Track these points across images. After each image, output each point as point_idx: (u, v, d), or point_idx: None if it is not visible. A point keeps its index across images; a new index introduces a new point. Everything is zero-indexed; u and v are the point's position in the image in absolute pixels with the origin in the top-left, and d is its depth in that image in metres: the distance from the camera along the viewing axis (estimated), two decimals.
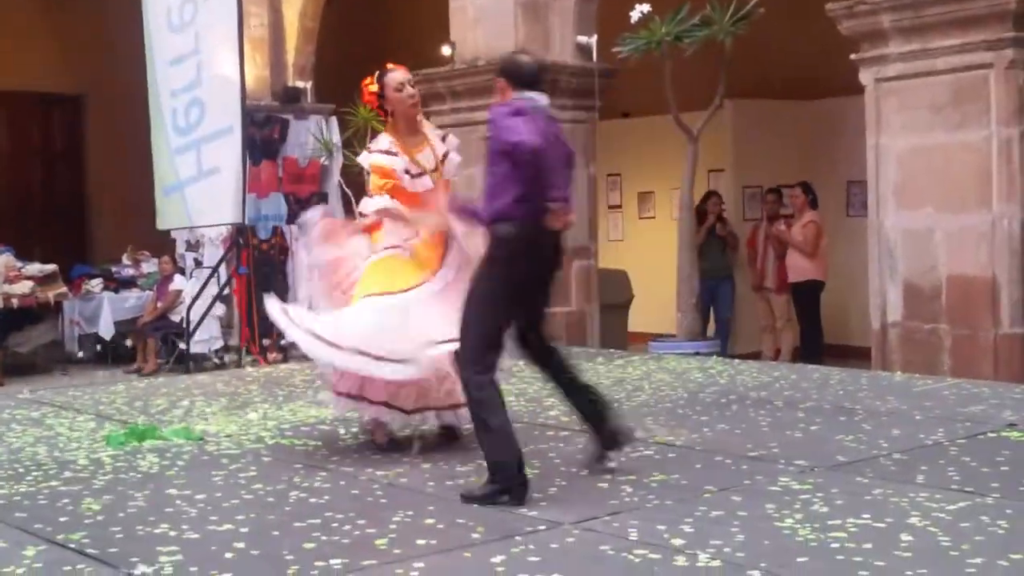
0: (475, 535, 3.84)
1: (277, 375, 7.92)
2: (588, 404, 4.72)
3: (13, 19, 15.16)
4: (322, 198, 12.25)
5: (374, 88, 5.57)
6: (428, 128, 5.72)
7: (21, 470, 5.03)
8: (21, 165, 16.40)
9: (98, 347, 12.98)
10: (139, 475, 4.90)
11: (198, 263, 12.15)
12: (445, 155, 5.61)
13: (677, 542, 3.68)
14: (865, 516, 3.89)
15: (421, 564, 3.54)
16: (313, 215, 5.89)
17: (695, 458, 4.88)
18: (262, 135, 11.97)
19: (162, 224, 11.38)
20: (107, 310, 13.02)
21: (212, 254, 11.87)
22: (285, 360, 10.45)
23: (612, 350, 9.02)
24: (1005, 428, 5.29)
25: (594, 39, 9.82)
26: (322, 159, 12.10)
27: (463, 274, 5.01)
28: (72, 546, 3.83)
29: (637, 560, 3.53)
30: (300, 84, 12.53)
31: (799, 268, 10.69)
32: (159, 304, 12.51)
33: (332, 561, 3.58)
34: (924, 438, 5.13)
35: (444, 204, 5.11)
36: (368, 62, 14.86)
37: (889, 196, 7.53)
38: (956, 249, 7.20)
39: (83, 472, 4.96)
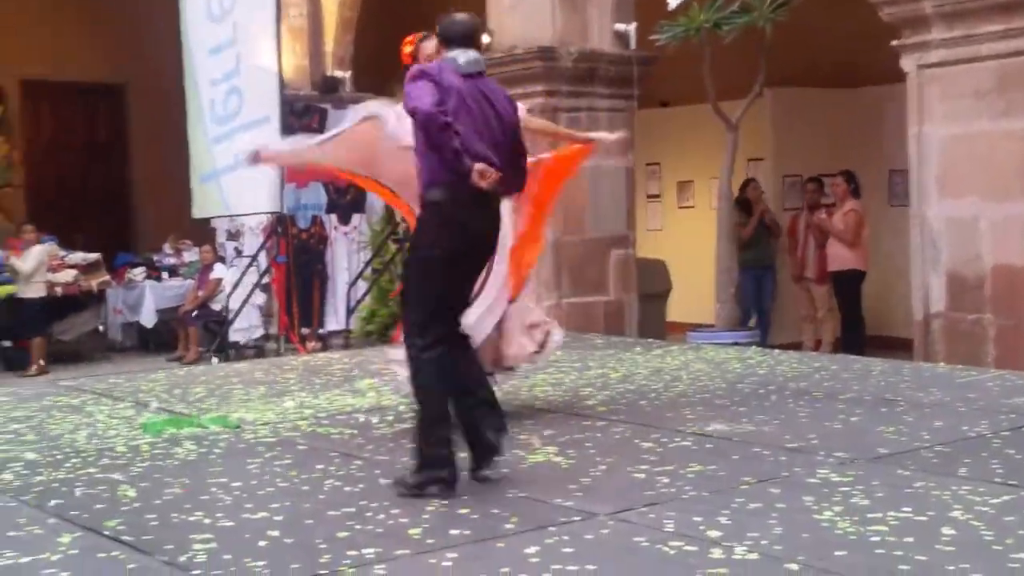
0: (508, 525, 3.81)
1: (315, 364, 7.93)
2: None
3: (56, 10, 15.31)
4: (360, 188, 12.27)
5: (409, 49, 5.61)
6: None
7: (60, 457, 5.06)
8: (65, 155, 16.58)
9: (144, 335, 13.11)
10: (176, 463, 4.91)
11: (238, 252, 12.23)
12: None
13: (713, 534, 3.64)
14: (906, 509, 3.83)
15: (454, 554, 3.52)
16: None
17: (732, 449, 4.83)
18: (301, 125, 11.99)
19: (197, 212, 11.45)
20: (149, 298, 13.15)
21: (252, 243, 11.93)
22: (324, 349, 10.50)
23: (650, 340, 8.97)
24: None
25: (632, 27, 9.75)
26: None
27: None
28: (107, 533, 3.85)
29: (672, 552, 3.49)
30: (339, 74, 12.57)
31: (840, 257, 10.58)
32: (200, 293, 12.60)
33: (365, 550, 3.57)
34: (967, 430, 5.04)
35: None
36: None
37: (932, 185, 7.42)
38: (1001, 238, 7.08)
39: (121, 459, 4.98)
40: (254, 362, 8.72)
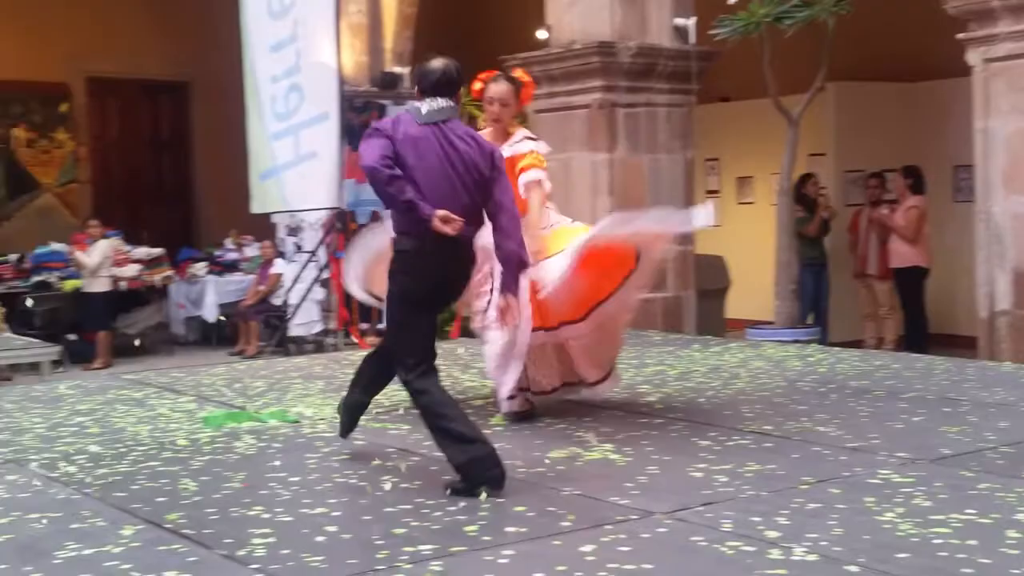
0: (565, 523, 3.80)
1: None
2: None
3: (121, 9, 15.53)
4: None
5: (479, 86, 5.76)
6: (520, 133, 5.74)
7: (123, 449, 5.13)
8: (130, 151, 16.83)
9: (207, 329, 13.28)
10: (236, 456, 4.96)
11: (298, 247, 12.32)
12: None
13: (772, 535, 3.60)
14: (970, 511, 3.77)
15: (511, 551, 3.52)
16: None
17: (792, 448, 4.78)
18: (360, 121, 12.05)
19: (256, 208, 11.56)
20: (211, 293, 13.32)
21: (312, 238, 12.01)
22: None
23: (709, 337, 8.91)
24: None
25: (692, 21, 9.68)
26: None
27: None
28: (168, 526, 3.89)
29: (730, 552, 3.46)
30: (398, 70, 12.60)
31: (901, 254, 10.45)
32: (261, 288, 12.74)
33: (421, 547, 3.58)
34: None
35: None
36: (465, 47, 14.95)
37: (997, 181, 7.29)
38: None
39: (182, 452, 5.04)
40: (313, 357, 8.79)
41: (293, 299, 11.58)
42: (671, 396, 6.04)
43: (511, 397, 5.53)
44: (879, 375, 6.54)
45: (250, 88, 11.35)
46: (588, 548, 3.52)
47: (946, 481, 4.17)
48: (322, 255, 11.61)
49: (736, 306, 11.45)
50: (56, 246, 13.09)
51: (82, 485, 4.51)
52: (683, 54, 9.64)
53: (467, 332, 9.71)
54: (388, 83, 12.48)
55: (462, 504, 4.05)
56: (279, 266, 12.51)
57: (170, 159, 17.10)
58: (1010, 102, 7.20)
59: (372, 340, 11.14)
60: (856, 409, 5.56)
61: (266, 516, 3.98)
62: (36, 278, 12.75)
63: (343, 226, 11.46)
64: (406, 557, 3.50)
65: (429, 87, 4.56)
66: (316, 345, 11.55)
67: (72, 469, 4.78)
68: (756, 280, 10.98)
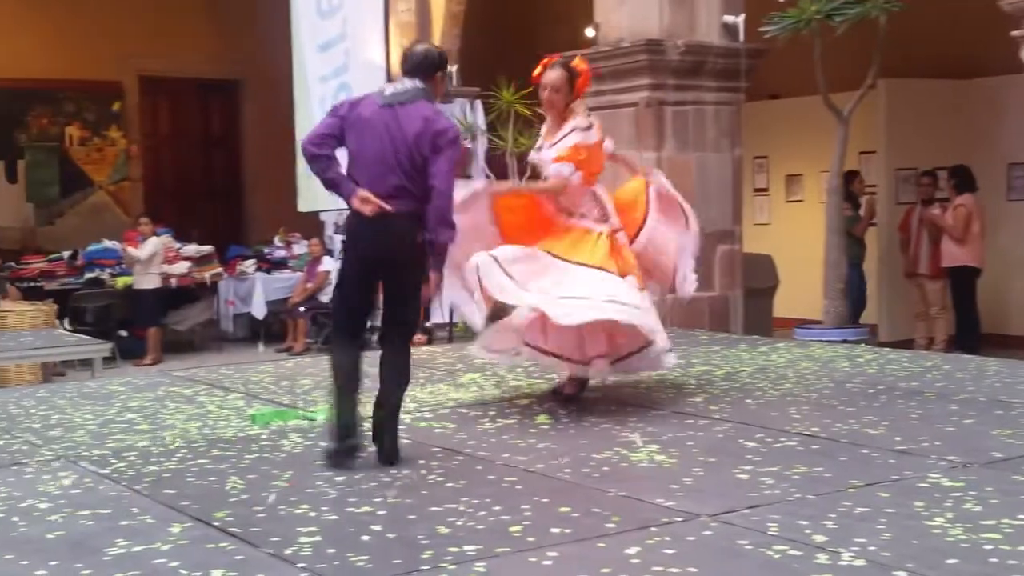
0: (610, 525, 3.79)
1: (418, 357, 7.97)
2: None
3: (173, 8, 15.70)
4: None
5: (538, 71, 5.92)
6: (569, 124, 5.82)
7: (172, 447, 5.19)
8: (181, 149, 17.03)
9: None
10: (283, 455, 5.00)
11: None
12: None
13: (819, 539, 3.57)
14: (1022, 517, 3.71)
15: (555, 553, 3.52)
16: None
17: (840, 451, 4.73)
18: None
19: (303, 206, 11.64)
20: (259, 290, 13.44)
21: None
22: (429, 342, 10.58)
23: (756, 336, 8.85)
24: None
25: (741, 19, 9.61)
26: (466, 142, 12.17)
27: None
28: (216, 524, 3.93)
29: (777, 557, 3.44)
30: None
31: (952, 253, 10.35)
32: (308, 285, 12.83)
33: (466, 547, 3.59)
34: None
35: None
36: (513, 45, 14.95)
37: None
38: None
39: (230, 450, 5.08)
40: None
41: None
42: (717, 396, 6.00)
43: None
44: (929, 376, 6.46)
45: (299, 87, 11.43)
46: (633, 550, 3.51)
47: (997, 486, 4.11)
48: None
49: (784, 305, 11.36)
50: (108, 243, 13.27)
51: (132, 482, 4.57)
52: (732, 52, 9.58)
53: None
54: None
55: (506, 504, 4.05)
56: (327, 264, 12.59)
57: (220, 157, 17.26)
58: None
59: (418, 338, 11.18)
60: (906, 411, 5.50)
61: (313, 515, 4.01)
62: (88, 275, 12.93)
63: None
64: (450, 558, 3.51)
65: (405, 69, 4.81)
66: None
67: (122, 466, 4.83)
68: (805, 279, 10.89)
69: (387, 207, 4.57)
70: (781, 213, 13.39)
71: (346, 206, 4.81)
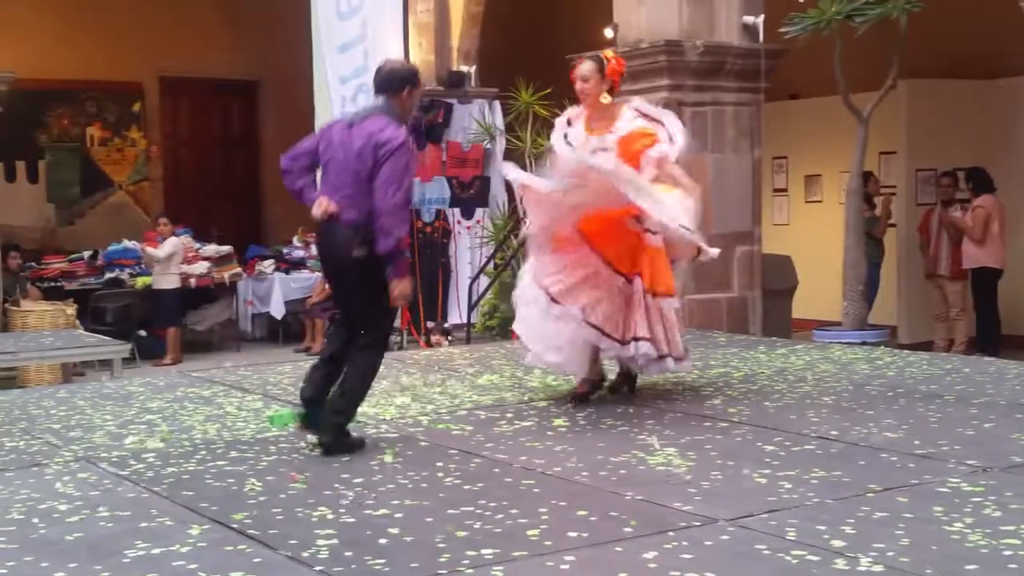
0: (627, 529, 3.79)
1: (438, 358, 8.01)
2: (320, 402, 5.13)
3: (194, 9, 15.75)
4: (484, 182, 12.34)
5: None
6: (625, 114, 5.95)
7: (191, 448, 5.21)
8: (200, 150, 17.08)
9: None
10: (301, 457, 5.01)
11: None
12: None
13: (837, 544, 3.56)
14: None
15: (572, 557, 3.52)
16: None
17: (859, 455, 4.71)
18: (427, 120, 12.10)
19: None
20: (278, 290, 13.47)
21: None
22: (448, 344, 10.58)
23: (774, 338, 8.82)
24: None
25: (761, 19, 9.57)
26: (485, 143, 12.18)
27: None
28: (235, 526, 3.94)
29: (794, 562, 3.43)
30: (464, 68, 12.64)
31: (971, 255, 10.30)
32: (327, 285, 12.82)
33: (483, 551, 3.59)
34: None
35: None
36: (532, 46, 14.92)
37: None
38: None
39: (249, 452, 5.10)
40: None
41: None
42: (736, 399, 5.99)
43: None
44: (949, 379, 6.43)
45: (319, 88, 11.45)
46: (651, 555, 3.51)
47: (1017, 490, 4.09)
48: None
49: (803, 306, 11.32)
50: (128, 243, 13.32)
51: (151, 483, 4.58)
52: (752, 52, 9.55)
53: None
54: (454, 82, 12.51)
55: (524, 507, 4.04)
56: None
57: (240, 158, 17.32)
58: None
59: (437, 340, 11.20)
60: (925, 414, 5.48)
61: (331, 517, 4.02)
62: (108, 275, 12.98)
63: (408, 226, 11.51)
64: (468, 561, 3.51)
65: (374, 87, 5.19)
66: None
67: (141, 467, 4.85)
68: (824, 280, 10.86)
69: (332, 208, 4.96)
70: (800, 214, 13.34)
71: None
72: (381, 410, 5.96)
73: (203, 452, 5.11)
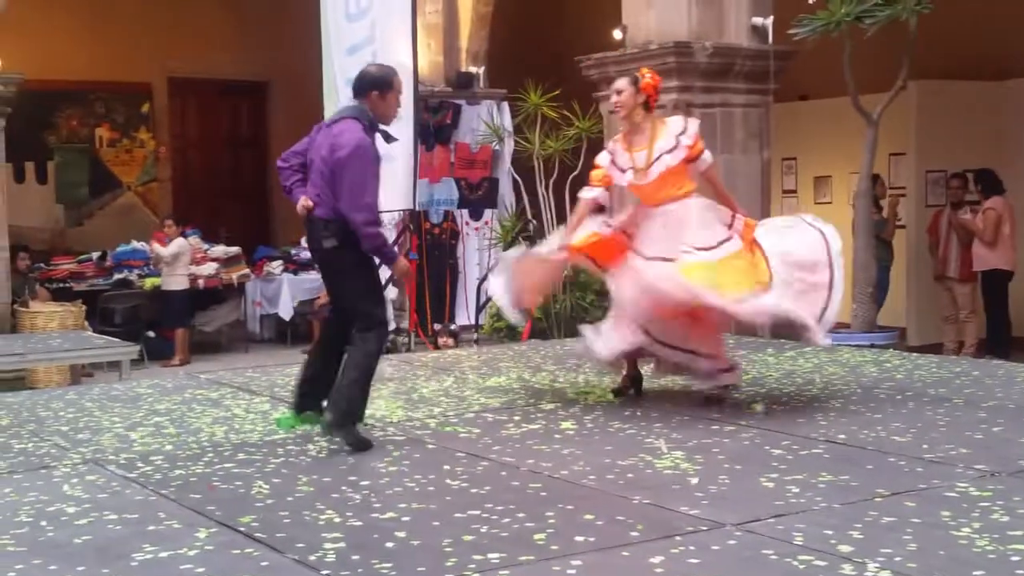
0: (634, 533, 3.78)
1: (445, 361, 8.01)
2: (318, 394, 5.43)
3: (202, 10, 15.77)
4: (493, 183, 12.35)
5: None
6: (663, 128, 5.99)
7: (199, 451, 5.21)
8: (209, 151, 17.10)
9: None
10: (308, 459, 5.01)
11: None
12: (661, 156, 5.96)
13: (844, 549, 3.55)
14: None
15: (578, 561, 3.51)
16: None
17: (866, 458, 4.70)
18: (435, 121, 12.12)
19: None
20: (286, 291, 13.48)
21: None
22: (455, 346, 10.59)
23: (783, 340, 8.78)
24: None
25: (770, 20, 9.56)
26: (493, 144, 12.18)
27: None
28: (242, 529, 3.94)
29: (801, 567, 3.42)
30: (473, 70, 12.64)
31: (982, 257, 10.27)
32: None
33: (490, 555, 3.58)
34: None
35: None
36: (540, 47, 14.91)
37: None
38: None
39: (256, 454, 5.10)
40: (385, 357, 8.81)
41: None
42: (743, 402, 5.98)
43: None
44: (958, 383, 6.41)
45: (328, 90, 11.45)
46: (657, 559, 3.50)
47: None
48: None
49: None
50: (137, 244, 13.34)
51: (159, 486, 4.59)
52: (761, 54, 9.54)
53: (538, 333, 9.72)
54: (463, 83, 12.52)
55: (531, 511, 4.04)
56: None
57: (248, 158, 17.33)
58: None
59: (444, 341, 11.20)
60: (934, 418, 5.46)
61: (338, 520, 4.02)
62: (117, 276, 13.01)
63: (416, 227, 11.54)
64: (474, 565, 3.51)
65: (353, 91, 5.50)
66: (389, 344, 11.61)
67: (149, 470, 4.86)
68: None
69: (308, 204, 5.32)
70: (809, 215, 13.29)
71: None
72: (390, 412, 5.96)
73: (211, 455, 5.12)
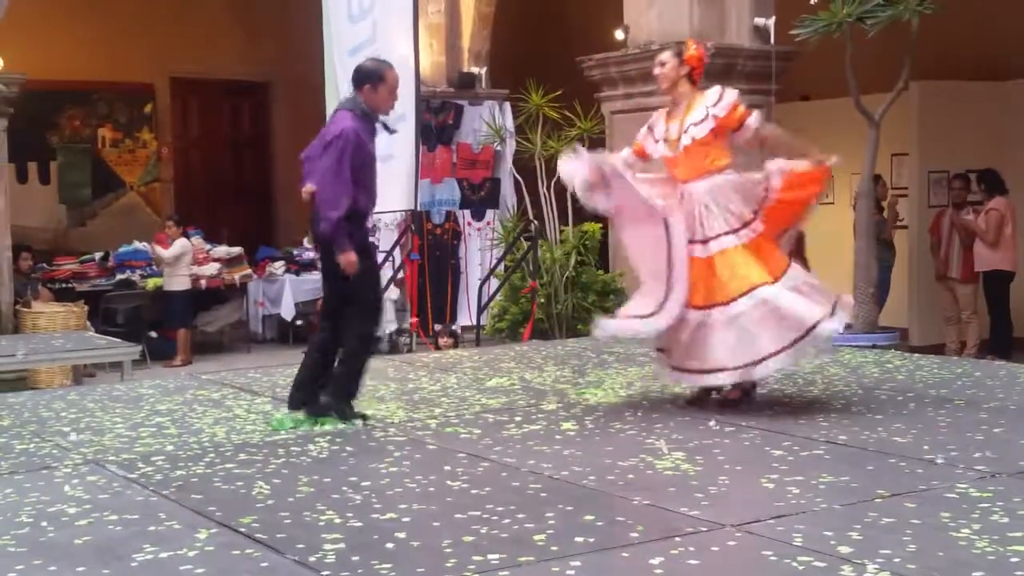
0: (634, 534, 3.79)
1: (446, 361, 8.01)
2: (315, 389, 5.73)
3: (204, 11, 15.78)
4: (495, 184, 12.36)
5: None
6: (700, 99, 5.90)
7: (200, 451, 5.22)
8: (211, 151, 17.10)
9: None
10: (309, 460, 5.01)
11: (374, 247, 12.41)
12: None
13: (844, 550, 3.55)
14: None
15: (578, 563, 3.51)
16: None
17: (867, 459, 4.70)
18: (437, 121, 12.13)
19: None
20: (288, 292, 13.49)
21: (388, 238, 12.11)
22: (455, 346, 10.60)
23: None
24: None
25: (772, 21, 9.58)
26: (495, 145, 12.19)
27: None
28: (242, 530, 3.95)
29: (801, 568, 3.42)
30: (475, 70, 12.64)
31: (984, 257, 10.26)
32: None
33: (490, 556, 3.58)
34: None
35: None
36: (542, 47, 14.90)
37: None
38: None
39: (257, 455, 5.10)
40: (387, 358, 8.84)
41: None
42: (744, 402, 5.97)
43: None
44: (959, 383, 6.42)
45: (331, 90, 11.46)
46: (656, 561, 3.50)
47: None
48: (397, 255, 11.70)
49: None
50: (139, 245, 13.35)
51: (160, 487, 4.59)
52: (763, 54, 9.54)
53: (540, 334, 9.73)
54: (465, 83, 12.52)
55: (531, 512, 4.04)
56: None
57: (250, 159, 17.34)
58: None
59: (444, 342, 11.21)
60: (935, 419, 5.46)
61: (338, 521, 4.02)
62: (119, 276, 13.02)
63: (418, 227, 11.55)
64: (474, 566, 3.51)
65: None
66: (390, 345, 11.63)
67: (150, 470, 4.87)
68: (834, 282, 10.76)
69: (311, 189, 5.63)
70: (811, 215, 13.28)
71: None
72: (391, 412, 5.97)
73: (212, 455, 5.12)
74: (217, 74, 16.34)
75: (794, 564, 3.45)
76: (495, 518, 4.00)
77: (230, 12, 16.10)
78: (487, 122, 12.11)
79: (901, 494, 4.17)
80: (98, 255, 13.31)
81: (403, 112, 10.71)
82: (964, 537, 3.65)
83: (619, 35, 10.41)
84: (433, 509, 4.16)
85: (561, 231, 10.45)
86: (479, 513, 4.06)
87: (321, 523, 4.01)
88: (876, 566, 3.40)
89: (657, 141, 5.98)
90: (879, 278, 9.29)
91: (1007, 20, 10.65)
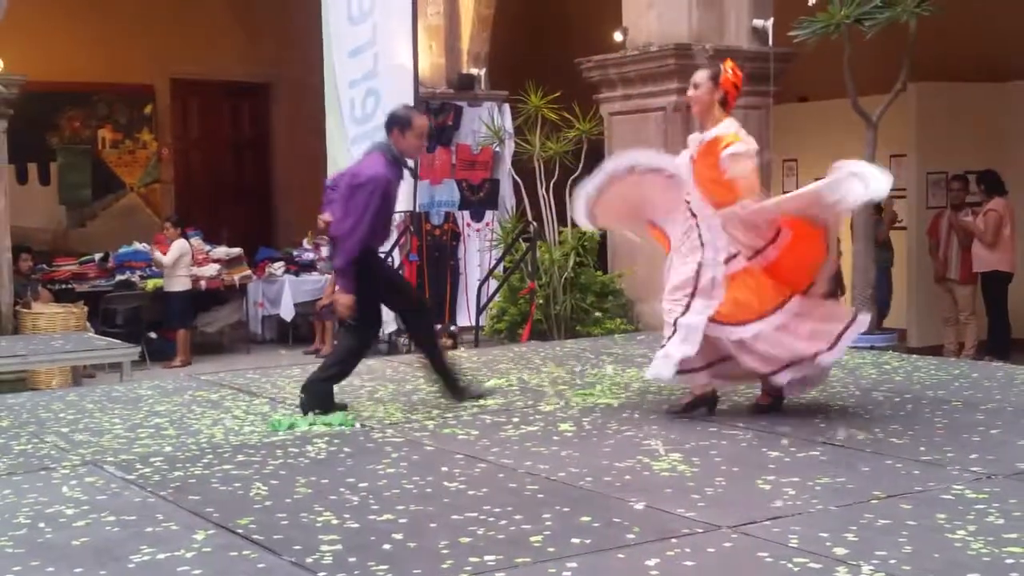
0: (630, 535, 3.79)
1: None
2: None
3: (204, 12, 15.79)
4: (494, 185, 12.37)
5: None
6: (719, 126, 5.68)
7: (197, 452, 5.23)
8: (211, 152, 17.11)
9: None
10: (307, 461, 5.02)
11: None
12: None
13: (840, 551, 3.56)
14: None
15: (574, 564, 3.52)
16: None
17: (863, 461, 4.71)
18: (436, 123, 12.13)
19: None
20: (288, 293, 13.50)
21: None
22: (455, 347, 10.59)
23: None
24: None
25: (770, 22, 9.60)
26: (494, 146, 12.20)
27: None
28: (240, 531, 3.95)
29: (796, 569, 3.42)
30: (474, 71, 12.66)
31: (982, 258, 10.27)
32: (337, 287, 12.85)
33: (487, 557, 3.59)
34: None
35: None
36: (542, 49, 14.91)
37: None
38: None
39: (255, 456, 5.11)
40: (385, 359, 8.85)
41: None
42: (741, 404, 5.99)
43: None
44: (957, 385, 6.42)
45: (330, 92, 11.48)
46: (652, 562, 3.51)
47: (1021, 498, 4.08)
48: (396, 256, 11.71)
49: None
50: (139, 246, 13.36)
51: (158, 487, 4.60)
52: (761, 55, 9.56)
53: (538, 335, 9.74)
54: (464, 84, 12.53)
55: (527, 513, 4.05)
56: None
57: (250, 160, 17.35)
58: None
59: (443, 343, 11.20)
60: (931, 420, 5.47)
61: (335, 522, 4.03)
62: (119, 277, 13.03)
63: (417, 228, 11.55)
64: (470, 567, 3.52)
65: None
66: (389, 346, 11.64)
67: (148, 471, 4.87)
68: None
69: (327, 219, 6.01)
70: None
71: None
72: (389, 414, 5.98)
73: (210, 456, 5.13)
74: (217, 75, 16.35)
75: (790, 565, 3.46)
76: (492, 519, 4.01)
77: (230, 13, 16.12)
78: (486, 123, 12.12)
79: (897, 495, 4.17)
80: (98, 256, 13.32)
81: None
82: (960, 539, 3.66)
83: (618, 37, 10.42)
84: (430, 510, 4.17)
85: (560, 232, 10.46)
86: (476, 514, 4.07)
87: (318, 524, 4.02)
88: (871, 567, 3.40)
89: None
90: (877, 279, 9.30)
91: (1005, 21, 10.65)
